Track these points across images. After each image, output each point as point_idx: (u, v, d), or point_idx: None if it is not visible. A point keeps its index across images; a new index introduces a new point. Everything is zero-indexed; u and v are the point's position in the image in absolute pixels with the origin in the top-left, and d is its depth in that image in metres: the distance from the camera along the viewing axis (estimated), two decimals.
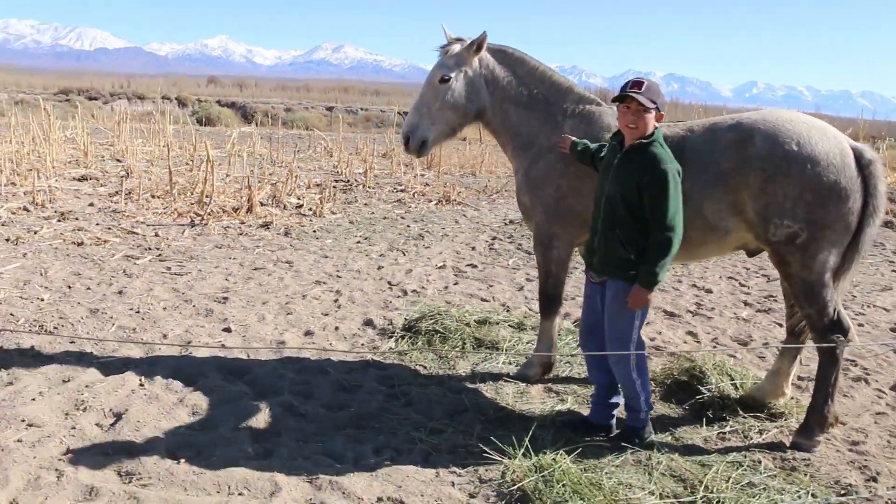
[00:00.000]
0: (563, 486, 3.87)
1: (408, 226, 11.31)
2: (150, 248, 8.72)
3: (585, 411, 4.94)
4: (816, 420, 4.67)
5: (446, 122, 5.16)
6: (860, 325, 7.71)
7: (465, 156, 20.86)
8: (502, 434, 4.49)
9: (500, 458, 4.17)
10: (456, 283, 8.11)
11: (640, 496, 3.94)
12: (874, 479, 4.41)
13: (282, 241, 9.71)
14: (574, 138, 4.87)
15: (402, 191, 14.62)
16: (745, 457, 4.50)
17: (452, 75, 5.06)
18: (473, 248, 10.07)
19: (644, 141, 4.18)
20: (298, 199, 12.30)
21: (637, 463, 4.33)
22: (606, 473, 4.12)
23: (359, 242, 9.94)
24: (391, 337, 6.13)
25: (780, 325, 7.36)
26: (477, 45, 5.08)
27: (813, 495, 4.10)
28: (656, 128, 4.24)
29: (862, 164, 4.44)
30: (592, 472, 4.10)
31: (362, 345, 5.99)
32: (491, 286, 8.11)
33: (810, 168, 4.34)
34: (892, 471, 4.54)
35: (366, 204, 13.03)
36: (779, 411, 5.11)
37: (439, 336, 6.05)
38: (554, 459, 4.08)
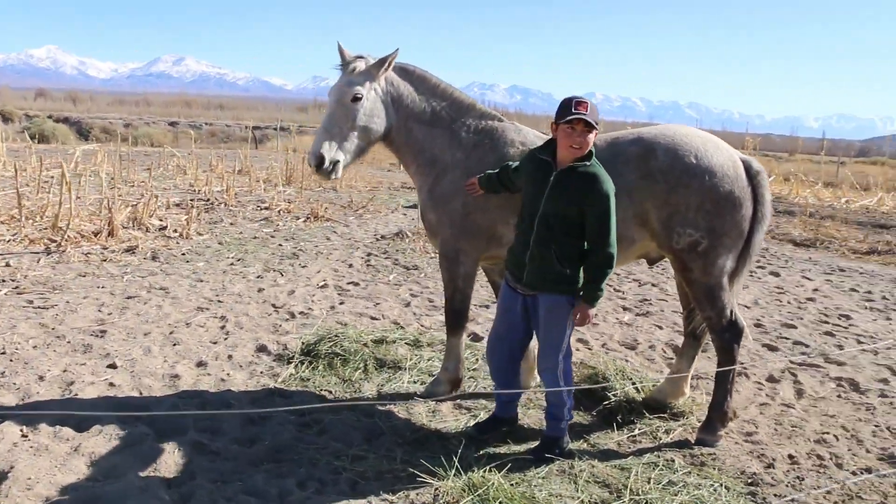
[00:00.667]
0: (499, 503, 3.85)
1: (280, 245, 11.00)
2: (3, 280, 8.00)
3: None
4: (718, 416, 4.93)
5: (358, 143, 5.00)
6: None
7: None
8: (425, 455, 4.44)
9: (430, 481, 4.10)
10: (342, 303, 7.94)
11: None
12: (772, 466, 4.71)
13: (151, 266, 9.18)
14: (478, 177, 4.88)
15: (266, 208, 14.20)
16: (659, 457, 4.68)
17: (364, 93, 4.93)
18: (350, 266, 9.91)
19: (587, 162, 4.26)
20: (161, 220, 11.69)
21: (561, 472, 4.39)
22: (536, 486, 4.16)
23: (232, 264, 9.56)
24: (290, 362, 5.91)
25: (660, 328, 7.71)
26: (388, 62, 4.99)
27: (726, 487, 4.32)
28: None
29: (751, 175, 4.75)
30: (523, 487, 4.12)
31: (262, 373, 5.74)
32: (378, 304, 8.00)
33: (708, 179, 4.59)
34: (784, 456, 4.86)
35: (232, 223, 12.55)
36: (680, 410, 5.33)
37: (340, 359, 5.90)
38: (484, 477, 4.05)
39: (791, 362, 6.71)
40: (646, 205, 4.70)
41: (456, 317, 5.32)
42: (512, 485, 4.07)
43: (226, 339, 6.49)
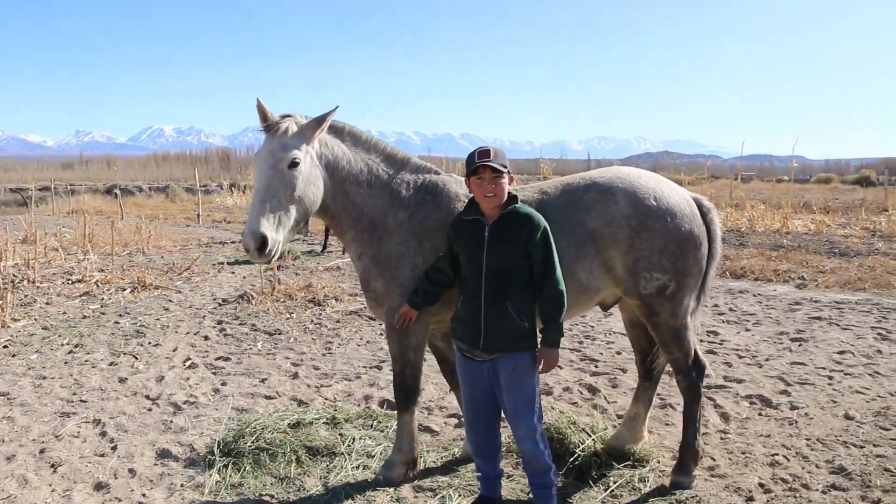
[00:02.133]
0: None
1: (116, 322, 9.69)
2: None
3: (469, 499, 4.56)
4: (690, 456, 4.79)
5: (297, 216, 4.32)
6: (618, 352, 8.21)
7: (125, 234, 18.76)
8: None
9: None
10: (224, 384, 7.03)
11: None
12: (752, 499, 4.63)
13: None
14: (409, 301, 4.49)
15: (79, 281, 12.58)
16: None
17: (301, 158, 4.26)
18: (207, 338, 8.90)
19: (515, 205, 4.03)
20: None
21: None
22: None
23: (72, 352, 8.23)
24: (210, 467, 5.03)
25: (560, 367, 7.54)
26: (325, 122, 4.37)
27: None
28: (511, 192, 4.08)
29: (703, 212, 4.66)
30: None
31: (182, 486, 4.82)
32: (264, 380, 7.17)
33: (670, 220, 4.45)
34: (755, 485, 4.82)
35: (48, 303, 10.92)
36: (641, 455, 5.11)
37: (267, 453, 5.11)
38: None
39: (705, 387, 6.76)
40: (611, 252, 4.48)
41: (407, 393, 4.78)
42: None
43: (114, 448, 5.44)
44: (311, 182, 4.33)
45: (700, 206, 4.69)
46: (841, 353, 8.03)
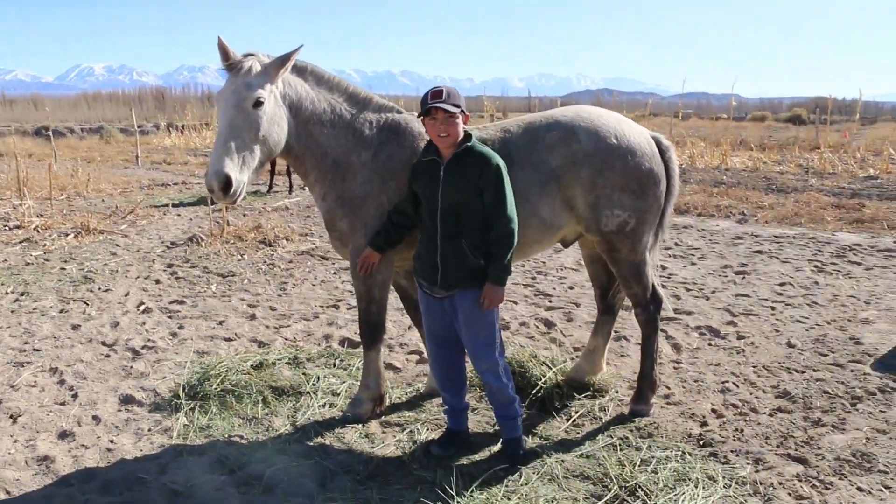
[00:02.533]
0: None
1: (62, 268, 9.44)
2: None
3: (436, 432, 4.67)
4: (648, 385, 4.97)
5: (260, 157, 4.21)
6: (570, 286, 8.36)
7: (61, 178, 18.13)
8: (399, 489, 4.03)
9: None
10: (181, 327, 6.96)
11: None
12: (706, 423, 4.84)
13: None
14: (370, 244, 4.50)
15: (18, 227, 12.19)
16: (612, 437, 4.62)
17: (265, 97, 4.15)
18: (158, 282, 8.76)
19: (468, 144, 4.04)
20: None
21: (538, 474, 4.14)
22: (528, 497, 3.85)
23: (18, 300, 8.01)
24: (177, 411, 5.01)
25: (515, 303, 7.66)
26: (288, 61, 4.26)
27: (688, 454, 4.36)
28: (466, 131, 4.09)
29: (662, 150, 4.74)
30: (515, 500, 3.80)
31: (149, 430, 4.80)
32: (222, 321, 7.13)
33: (631, 159, 4.51)
34: (708, 411, 5.04)
35: None
36: (599, 386, 5.28)
37: (233, 395, 5.13)
38: (489, 503, 3.71)
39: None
40: (573, 190, 4.53)
41: (373, 330, 4.81)
42: (510, 501, 3.75)
43: (74, 396, 5.37)
44: (275, 122, 4.25)
45: (659, 145, 4.76)
46: (782, 284, 8.34)
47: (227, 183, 3.98)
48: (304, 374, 5.59)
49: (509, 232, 3.98)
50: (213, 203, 12.37)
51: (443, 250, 4.04)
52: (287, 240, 10.92)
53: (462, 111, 3.99)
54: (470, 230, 4.02)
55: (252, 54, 4.26)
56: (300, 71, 4.53)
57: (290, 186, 17.13)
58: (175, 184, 19.49)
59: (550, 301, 7.81)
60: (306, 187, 4.52)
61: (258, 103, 4.12)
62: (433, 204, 4.06)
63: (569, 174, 4.49)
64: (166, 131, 45.52)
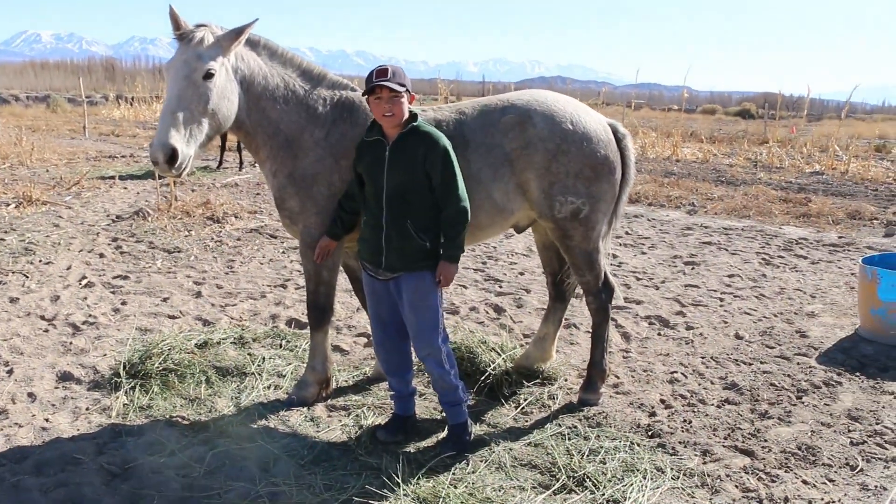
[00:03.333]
0: None
1: (1, 239, 9.08)
2: None
3: (383, 417, 4.58)
4: (598, 374, 4.94)
5: (210, 130, 4.08)
6: (521, 272, 8.33)
7: (3, 147, 17.49)
8: (341, 474, 3.92)
9: None
10: (124, 303, 6.74)
11: (521, 497, 3.71)
12: (654, 413, 4.84)
13: None
14: (326, 233, 4.43)
15: None
16: (560, 426, 4.58)
17: (216, 69, 3.99)
18: (102, 256, 8.49)
19: (414, 124, 3.96)
20: None
21: (485, 462, 4.08)
22: (475, 485, 3.80)
23: None
24: (117, 389, 4.84)
25: (465, 287, 7.60)
26: (242, 34, 4.10)
27: (636, 444, 4.35)
28: (411, 111, 4.00)
29: (618, 138, 4.69)
30: (463, 488, 3.74)
31: (87, 409, 4.62)
32: (166, 298, 6.92)
33: (586, 145, 4.46)
34: (657, 401, 5.04)
35: None
36: (548, 374, 5.24)
37: (175, 374, 4.96)
38: (434, 489, 3.65)
39: None
40: (527, 174, 4.46)
41: (321, 312, 4.71)
42: (468, 493, 3.68)
43: (9, 372, 5.14)
44: (225, 96, 4.09)
45: (615, 132, 4.71)
46: (730, 276, 8.42)
47: (172, 155, 3.85)
48: (249, 354, 5.45)
49: (462, 210, 3.92)
50: (160, 177, 12.06)
51: (388, 232, 3.95)
52: (236, 217, 10.69)
53: (407, 90, 3.87)
54: (415, 211, 3.94)
55: (204, 25, 4.10)
56: (253, 45, 4.37)
57: (241, 163, 16.78)
58: (123, 156, 18.96)
59: (500, 287, 7.77)
60: (257, 164, 4.39)
61: (208, 75, 3.96)
62: (378, 185, 3.96)
63: (523, 158, 4.42)
64: (115, 103, 44.48)
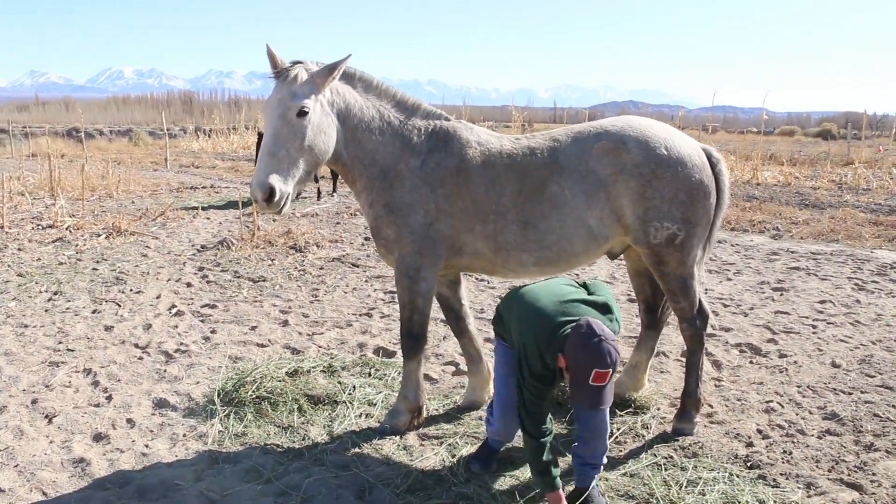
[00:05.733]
0: None
1: (94, 269, 9.45)
2: None
3: (475, 446, 4.55)
4: (692, 404, 4.84)
5: (306, 166, 4.22)
6: None
7: (92, 179, 18.23)
8: None
9: None
10: (213, 331, 6.91)
11: None
12: (752, 444, 4.70)
13: None
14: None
15: (50, 226, 12.25)
16: (656, 455, 4.51)
17: (310, 107, 4.13)
18: (190, 285, 8.74)
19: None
20: None
21: None
22: None
23: (51, 300, 8.02)
24: (212, 416, 4.95)
25: None
26: (336, 70, 4.21)
27: (735, 475, 4.23)
28: None
29: (712, 163, 4.62)
30: None
31: (184, 436, 4.74)
32: (254, 327, 7.06)
33: (681, 170, 4.41)
34: (753, 431, 4.91)
35: (20, 249, 10.63)
36: (640, 403, 5.15)
37: (268, 402, 5.05)
38: None
39: None
40: (621, 200, 4.43)
41: (415, 340, 4.74)
42: None
43: (108, 398, 5.32)
44: (321, 131, 4.22)
45: (709, 157, 4.65)
46: (822, 302, 8.15)
47: (270, 193, 4.01)
48: (339, 382, 5.51)
49: None
50: (243, 206, 12.38)
51: None
52: (317, 246, 10.88)
53: None
54: None
55: (300, 62, 4.23)
56: (348, 78, 4.48)
57: (319, 193, 17.14)
58: (203, 187, 19.55)
59: None
60: (348, 194, 4.45)
61: (302, 113, 4.10)
62: None
63: (617, 184, 4.40)
64: (194, 135, 45.92)
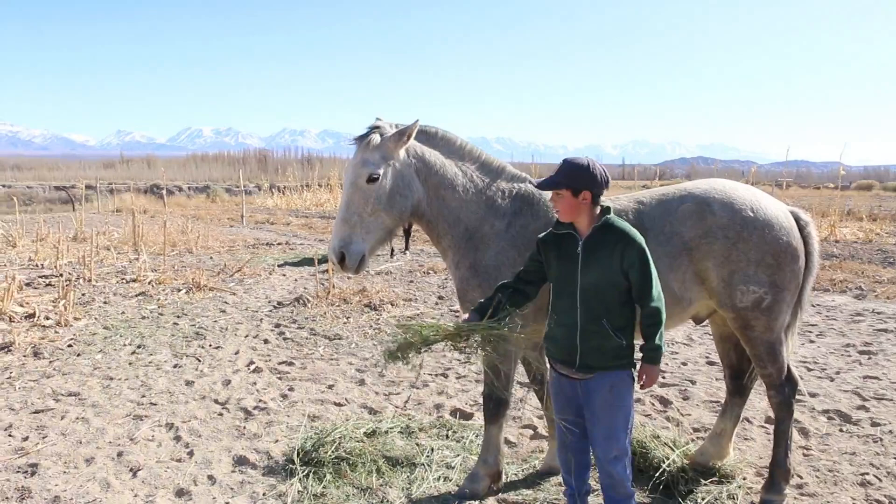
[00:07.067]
0: None
1: (175, 324, 9.70)
2: None
3: None
4: (781, 474, 4.65)
5: (382, 228, 4.39)
6: (683, 363, 8.02)
7: (172, 234, 18.85)
8: None
9: None
10: (291, 389, 6.96)
11: None
12: None
13: (38, 365, 7.69)
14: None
15: (134, 280, 12.66)
16: None
17: (381, 172, 4.28)
18: (267, 342, 8.86)
19: (608, 217, 3.80)
20: (23, 305, 9.99)
21: None
22: None
23: (135, 353, 8.23)
24: (291, 476, 4.94)
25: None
26: (406, 135, 4.33)
27: None
28: (602, 204, 3.85)
29: (800, 225, 4.51)
30: None
31: (264, 494, 4.74)
32: (331, 385, 7.10)
33: (767, 232, 4.32)
34: (846, 502, 4.58)
35: (106, 302, 10.99)
36: (725, 471, 4.95)
37: (347, 463, 5.02)
38: None
39: None
40: (706, 263, 4.35)
41: (497, 404, 4.67)
42: None
43: (190, 454, 5.38)
44: (396, 193, 4.36)
45: (797, 219, 4.53)
46: None
47: (341, 258, 4.27)
48: (417, 444, 5.46)
49: (656, 311, 3.75)
50: (318, 264, 12.58)
51: (583, 330, 3.81)
52: (392, 304, 10.94)
53: (571, 187, 3.75)
54: (612, 309, 3.79)
55: (377, 126, 4.37)
56: (430, 137, 4.58)
57: (392, 251, 17.32)
58: (279, 243, 19.98)
59: (664, 377, 7.47)
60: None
61: (372, 179, 4.27)
62: (571, 281, 3.84)
63: (702, 247, 4.32)
64: (269, 192, 47.20)
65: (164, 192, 31.40)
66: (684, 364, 8.00)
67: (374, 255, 4.41)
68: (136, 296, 11.51)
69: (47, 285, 12.12)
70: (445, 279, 13.55)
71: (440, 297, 11.67)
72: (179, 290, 11.87)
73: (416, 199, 4.46)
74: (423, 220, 4.58)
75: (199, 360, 7.95)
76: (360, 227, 4.30)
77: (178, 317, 10.13)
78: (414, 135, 4.37)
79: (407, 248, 17.50)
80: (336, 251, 4.28)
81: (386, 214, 4.35)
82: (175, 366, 7.74)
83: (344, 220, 4.31)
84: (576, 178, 3.76)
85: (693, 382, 7.28)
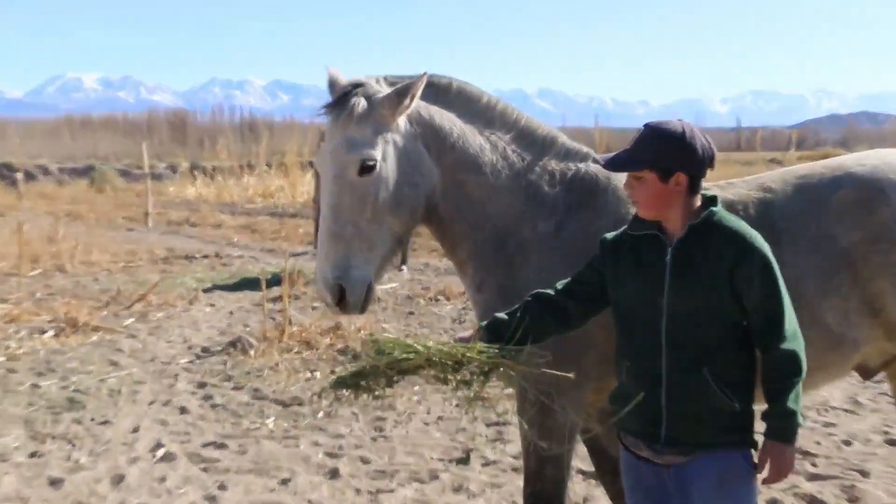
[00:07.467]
0: None
1: (34, 385, 9.77)
2: None
3: None
4: None
5: (389, 237, 4.42)
6: (846, 441, 8.00)
7: (33, 244, 19.02)
8: None
9: None
10: (223, 487, 6.97)
11: None
12: None
13: None
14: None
15: None
16: None
17: (377, 155, 4.25)
18: (185, 411, 8.92)
19: (712, 210, 3.79)
20: None
21: None
22: None
23: None
24: None
25: (795, 472, 7.40)
26: (410, 94, 4.30)
27: None
28: (703, 192, 3.86)
29: None
30: None
31: None
32: (286, 480, 7.12)
33: None
34: None
35: None
36: None
37: None
38: None
39: None
40: (880, 282, 4.35)
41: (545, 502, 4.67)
42: None
43: None
44: (404, 182, 4.37)
45: None
46: None
47: (340, 294, 4.22)
48: None
49: (793, 354, 3.72)
50: (268, 287, 12.63)
51: (670, 385, 3.81)
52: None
53: (656, 168, 3.73)
54: (718, 352, 3.79)
55: (360, 84, 4.35)
56: (440, 92, 4.60)
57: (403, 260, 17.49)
58: (205, 256, 20.18)
59: (815, 464, 7.48)
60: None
61: (365, 168, 4.22)
62: (652, 307, 3.84)
63: (872, 257, 4.34)
64: (189, 175, 47.52)
65: (21, 175, 31.78)
66: (847, 443, 8.00)
67: (381, 280, 4.42)
68: None
69: None
70: (463, 309, 13.65)
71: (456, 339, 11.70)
72: (44, 332, 12.00)
73: (431, 186, 4.48)
74: (433, 218, 4.61)
75: (73, 445, 7.98)
76: (359, 241, 4.27)
77: (41, 374, 10.23)
78: (419, 94, 4.35)
79: (404, 261, 17.54)
80: (330, 285, 4.24)
81: (393, 217, 4.35)
82: (32, 454, 7.77)
83: (333, 234, 4.27)
84: (664, 152, 3.74)
85: (864, 473, 7.26)
